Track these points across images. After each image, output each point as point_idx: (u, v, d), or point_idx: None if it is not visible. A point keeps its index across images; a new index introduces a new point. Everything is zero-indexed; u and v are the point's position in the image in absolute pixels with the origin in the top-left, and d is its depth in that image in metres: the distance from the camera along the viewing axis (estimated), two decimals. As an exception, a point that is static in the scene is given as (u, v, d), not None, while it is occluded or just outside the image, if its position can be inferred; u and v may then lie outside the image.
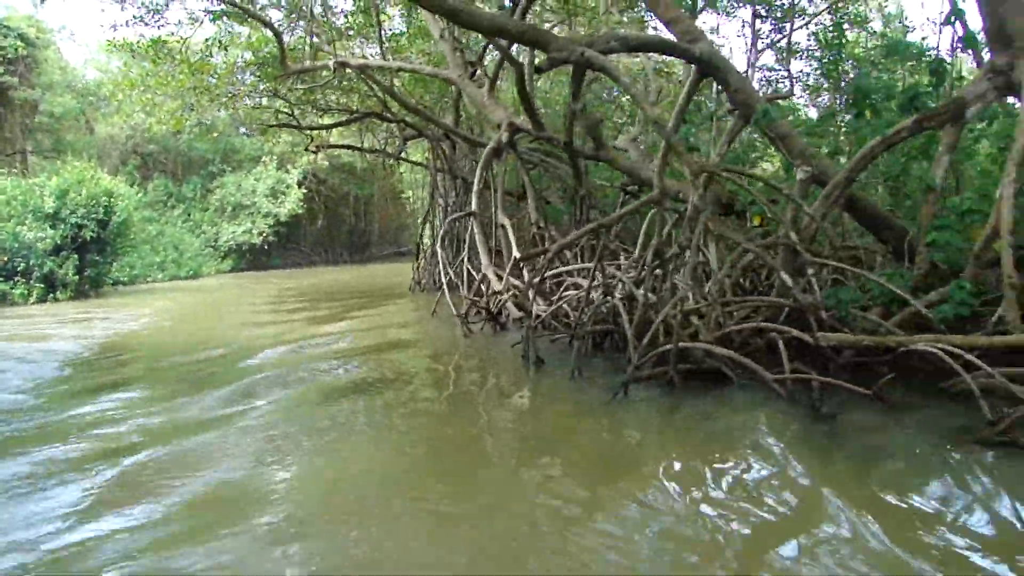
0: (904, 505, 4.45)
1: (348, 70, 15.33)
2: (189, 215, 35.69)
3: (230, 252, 35.36)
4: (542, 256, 10.61)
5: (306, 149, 23.95)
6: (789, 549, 3.98)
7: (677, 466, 5.33)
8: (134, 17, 15.14)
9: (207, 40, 16.22)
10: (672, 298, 7.64)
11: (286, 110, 19.67)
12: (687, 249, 8.14)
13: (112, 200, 22.67)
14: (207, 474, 5.37)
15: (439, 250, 14.62)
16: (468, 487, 5.12)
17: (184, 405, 7.68)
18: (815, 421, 6.10)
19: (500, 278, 11.95)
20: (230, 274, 34.28)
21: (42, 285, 20.91)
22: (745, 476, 5.06)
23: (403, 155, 22.92)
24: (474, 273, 13.64)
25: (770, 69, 17.94)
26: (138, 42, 15.78)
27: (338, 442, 6.21)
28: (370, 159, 33.99)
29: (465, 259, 14.32)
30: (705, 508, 4.54)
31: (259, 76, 17.17)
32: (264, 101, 19.36)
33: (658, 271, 8.54)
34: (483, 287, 12.57)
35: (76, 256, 21.89)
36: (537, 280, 10.02)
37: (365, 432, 6.61)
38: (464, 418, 7.07)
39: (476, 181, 13.02)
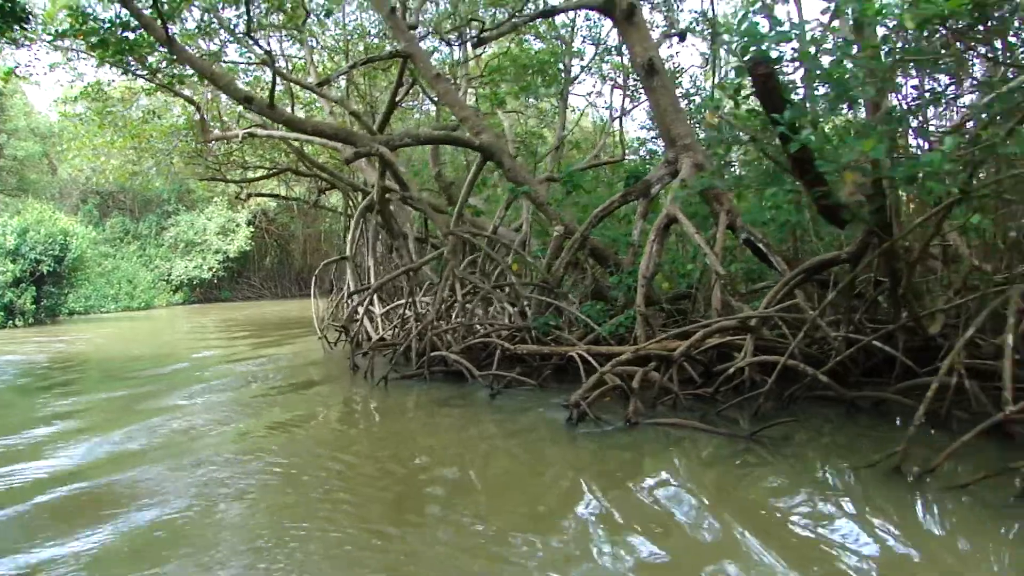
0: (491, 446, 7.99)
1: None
2: (144, 250, 39.06)
3: (182, 286, 38.71)
4: (367, 291, 14.16)
5: (237, 196, 27.59)
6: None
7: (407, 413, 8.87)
8: (81, 93, 18.67)
9: (144, 111, 19.85)
10: (426, 321, 11.22)
11: (214, 165, 23.31)
12: (446, 285, 11.76)
13: (68, 238, 26.14)
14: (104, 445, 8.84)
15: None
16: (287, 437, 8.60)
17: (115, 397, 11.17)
18: (492, 396, 9.68)
19: (357, 309, 15.49)
20: (181, 306, 37.65)
21: (2, 313, 24.23)
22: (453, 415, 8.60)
23: (319, 203, 26.60)
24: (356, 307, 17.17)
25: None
26: (86, 111, 19.36)
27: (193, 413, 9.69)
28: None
29: (344, 294, 17.85)
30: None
31: (188, 139, 20.83)
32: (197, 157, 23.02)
33: (446, 302, 12.16)
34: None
35: (34, 288, 25.28)
36: (363, 309, 13.59)
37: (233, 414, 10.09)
38: (297, 396, 10.57)
39: (352, 229, 16.59)
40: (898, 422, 7.46)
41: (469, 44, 12.51)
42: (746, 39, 5.47)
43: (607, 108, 34.95)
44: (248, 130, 18.02)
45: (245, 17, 11.30)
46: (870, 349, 8.62)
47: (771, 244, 10.43)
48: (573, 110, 23.85)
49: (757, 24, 5.49)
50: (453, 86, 19.35)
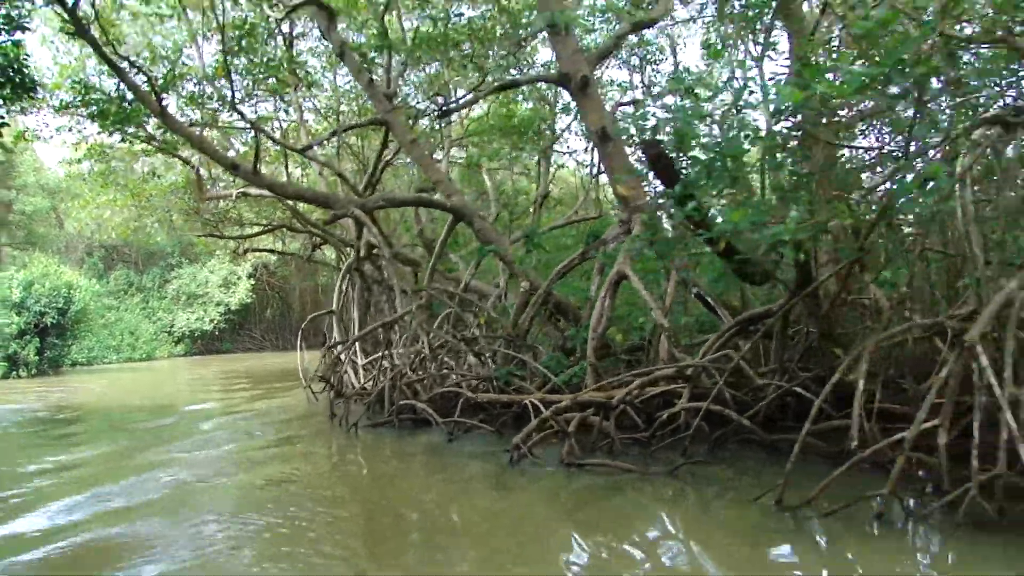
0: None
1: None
2: (147, 303, 40.13)
3: (183, 337, 39.67)
4: (347, 343, 15.02)
5: (234, 252, 28.71)
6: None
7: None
8: (85, 155, 19.79)
9: (145, 171, 20.99)
10: (395, 372, 12.06)
11: (212, 222, 24.42)
12: (418, 338, 12.61)
13: (71, 291, 27.17)
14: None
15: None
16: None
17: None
18: (449, 440, 10.45)
19: (340, 361, 16.32)
20: (182, 357, 38.59)
21: (6, 364, 25.15)
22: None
23: (313, 257, 27.63)
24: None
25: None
26: (91, 170, 20.50)
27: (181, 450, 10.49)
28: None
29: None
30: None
31: (186, 197, 21.95)
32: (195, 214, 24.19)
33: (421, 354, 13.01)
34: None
35: (38, 339, 26.24)
36: (346, 360, 14.43)
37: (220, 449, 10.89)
38: (280, 449, 11.36)
39: (338, 287, 17.51)
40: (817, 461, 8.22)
41: (436, 116, 13.47)
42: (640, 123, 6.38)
43: (588, 166, 36.11)
44: (242, 190, 19.07)
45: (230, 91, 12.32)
46: (802, 395, 9.39)
47: (716, 297, 11.28)
48: (559, 167, 24.90)
49: (647, 114, 6.41)
50: (441, 145, 20.50)
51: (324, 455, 10.74)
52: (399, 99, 17.40)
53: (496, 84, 12.90)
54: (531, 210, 20.96)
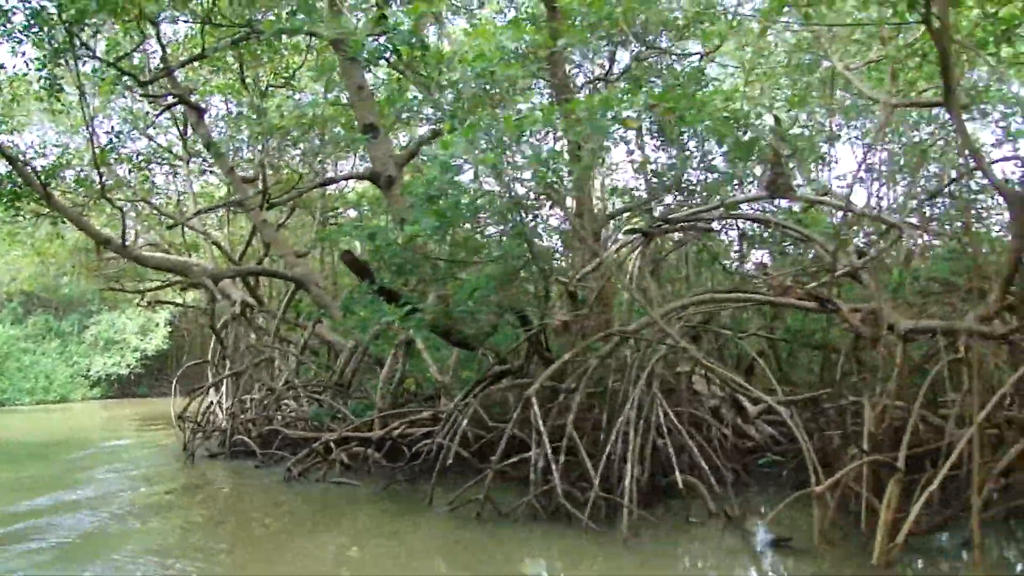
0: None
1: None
2: (66, 347, 42.35)
3: (100, 381, 41.94)
4: (204, 387, 17.98)
5: (137, 304, 31.52)
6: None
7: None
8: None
9: (48, 232, 23.83)
10: (229, 413, 15.07)
11: (114, 277, 27.29)
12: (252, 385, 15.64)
13: (-17, 336, 29.66)
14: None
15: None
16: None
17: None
18: (256, 467, 13.45)
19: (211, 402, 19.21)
20: (98, 400, 40.87)
21: (-85, 404, 27.53)
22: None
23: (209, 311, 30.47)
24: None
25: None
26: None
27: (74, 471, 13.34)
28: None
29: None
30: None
31: (89, 255, 24.84)
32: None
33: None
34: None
35: (-52, 381, 28.67)
36: (214, 402, 17.38)
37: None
38: (133, 464, 14.22)
39: (215, 338, 20.42)
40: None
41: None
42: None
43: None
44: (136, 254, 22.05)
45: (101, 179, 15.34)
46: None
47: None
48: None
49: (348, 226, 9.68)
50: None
51: (157, 472, 13.74)
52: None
53: (318, 181, 16.17)
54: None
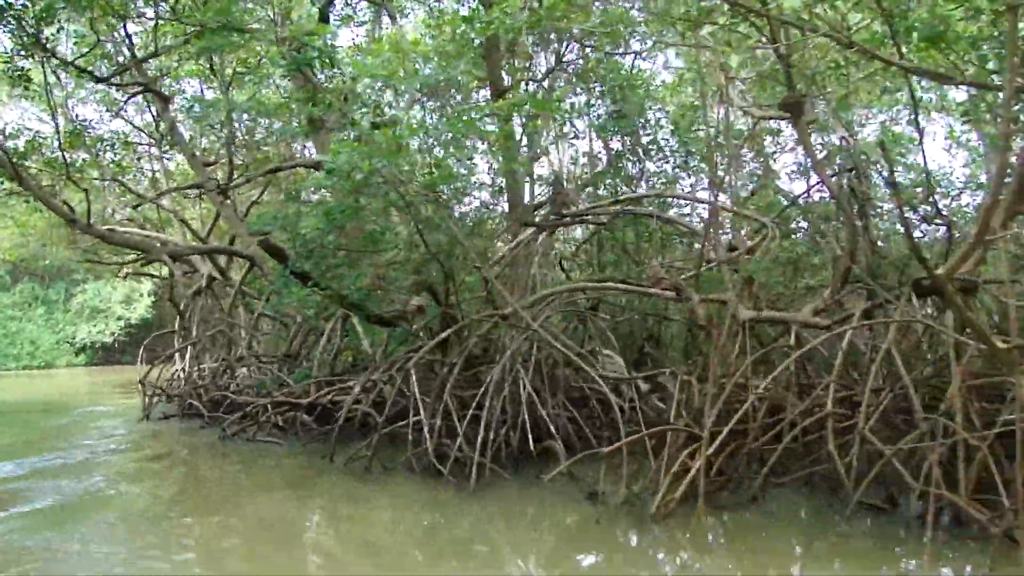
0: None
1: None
2: (52, 315, 43.94)
3: (84, 348, 43.55)
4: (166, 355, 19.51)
5: (115, 275, 33.02)
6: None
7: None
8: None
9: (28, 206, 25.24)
10: (185, 378, 16.62)
11: (91, 249, 28.74)
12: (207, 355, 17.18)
13: (-31, 303, 31.22)
14: None
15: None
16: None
17: None
18: (202, 427, 15.00)
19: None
20: (83, 367, 42.51)
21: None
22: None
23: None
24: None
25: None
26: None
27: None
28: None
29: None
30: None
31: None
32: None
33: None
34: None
35: (-65, 345, 30.25)
36: (177, 369, 18.93)
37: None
38: (96, 423, 15.78)
39: (180, 311, 21.93)
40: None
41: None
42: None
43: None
44: (109, 227, 23.49)
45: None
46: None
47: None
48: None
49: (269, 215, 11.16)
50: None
51: (110, 426, 15.37)
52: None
53: (271, 167, 17.66)
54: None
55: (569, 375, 12.05)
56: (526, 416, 10.44)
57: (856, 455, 7.98)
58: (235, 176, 17.13)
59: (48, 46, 14.35)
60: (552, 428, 10.72)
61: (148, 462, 12.57)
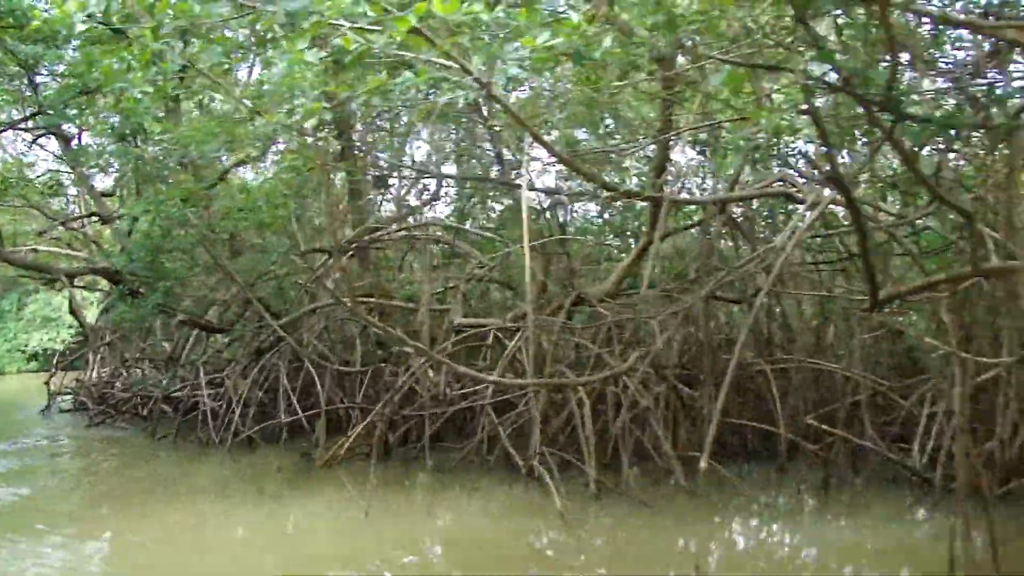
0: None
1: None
2: (5, 324, 47.38)
3: (36, 355, 47.00)
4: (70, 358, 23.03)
5: (51, 288, 36.62)
6: None
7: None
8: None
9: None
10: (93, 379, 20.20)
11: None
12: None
13: (-83, 314, 34.65)
14: None
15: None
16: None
17: None
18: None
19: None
20: (34, 373, 45.98)
21: None
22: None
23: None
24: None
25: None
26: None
27: None
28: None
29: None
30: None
31: None
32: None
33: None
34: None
35: None
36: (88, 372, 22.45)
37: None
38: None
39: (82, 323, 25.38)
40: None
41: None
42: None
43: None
44: (32, 247, 26.96)
45: None
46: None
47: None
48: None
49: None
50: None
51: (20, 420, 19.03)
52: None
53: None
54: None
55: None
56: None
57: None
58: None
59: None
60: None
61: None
